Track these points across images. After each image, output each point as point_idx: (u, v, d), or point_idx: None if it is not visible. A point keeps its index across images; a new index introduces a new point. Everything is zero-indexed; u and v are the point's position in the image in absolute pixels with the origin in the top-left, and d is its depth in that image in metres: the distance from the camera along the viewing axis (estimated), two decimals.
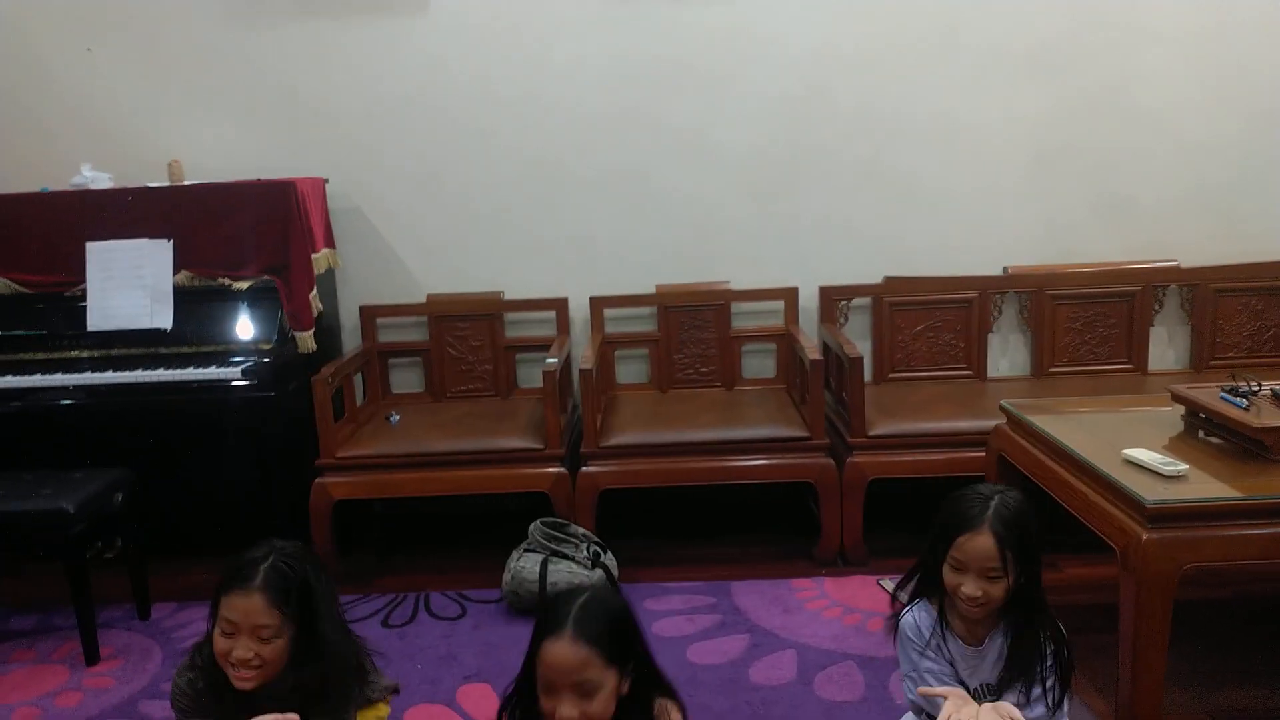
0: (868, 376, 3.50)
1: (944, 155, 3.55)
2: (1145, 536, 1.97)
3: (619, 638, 1.44)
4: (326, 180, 3.49)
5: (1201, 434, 2.39)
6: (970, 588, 1.75)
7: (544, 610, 1.48)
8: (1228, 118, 3.53)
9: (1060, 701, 1.79)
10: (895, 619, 1.91)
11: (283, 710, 1.72)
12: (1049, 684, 1.79)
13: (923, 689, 1.82)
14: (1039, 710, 1.78)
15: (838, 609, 2.83)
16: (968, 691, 1.80)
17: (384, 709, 1.97)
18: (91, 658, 2.69)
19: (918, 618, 1.88)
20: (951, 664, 1.85)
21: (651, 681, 1.53)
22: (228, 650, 1.70)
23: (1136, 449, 2.21)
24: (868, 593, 2.92)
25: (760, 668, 2.54)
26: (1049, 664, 1.79)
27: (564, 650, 1.40)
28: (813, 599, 2.90)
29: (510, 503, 3.31)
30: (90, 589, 2.68)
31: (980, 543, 1.74)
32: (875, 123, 3.54)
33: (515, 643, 2.70)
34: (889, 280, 3.56)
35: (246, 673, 1.71)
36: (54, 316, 3.15)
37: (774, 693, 2.41)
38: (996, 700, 1.76)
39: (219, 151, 3.52)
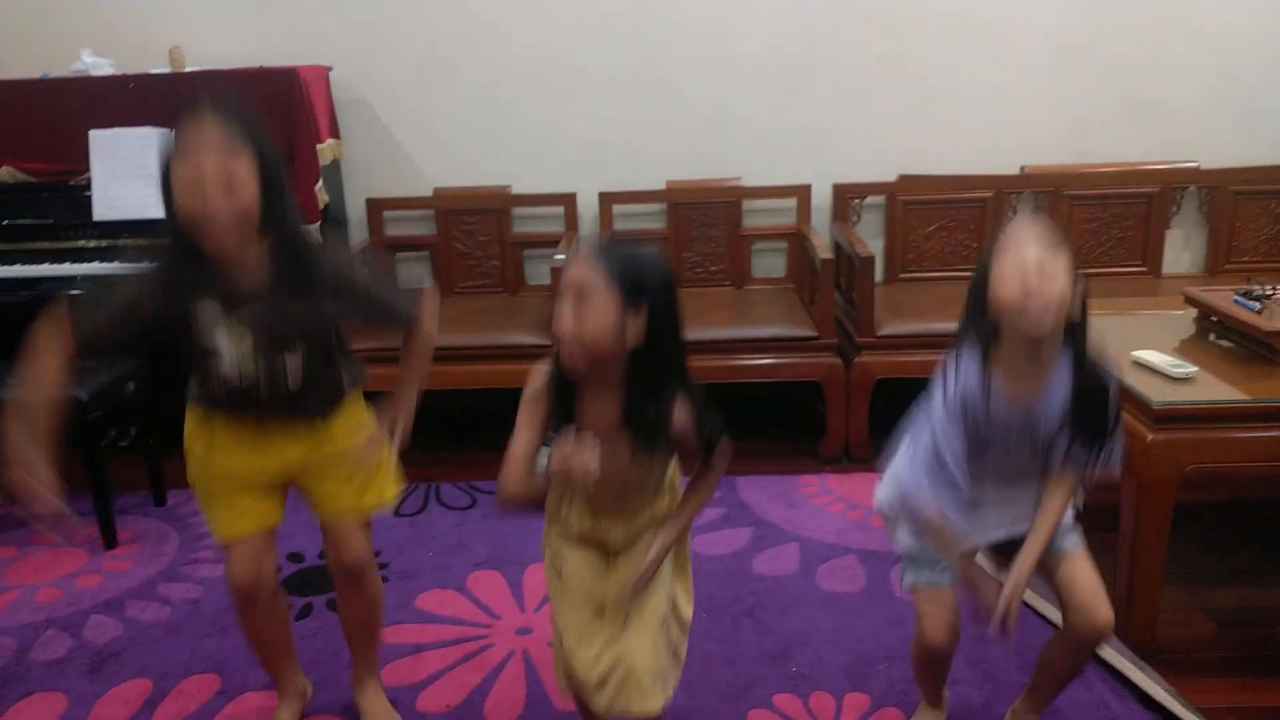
0: (879, 276, 3.48)
1: (964, 52, 3.45)
2: (1150, 437, 1.98)
3: (633, 277, 1.44)
4: (330, 69, 3.42)
5: (1213, 337, 2.38)
6: (1032, 270, 1.49)
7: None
8: (1256, 19, 3.42)
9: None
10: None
11: (271, 304, 1.61)
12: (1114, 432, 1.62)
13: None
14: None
15: (841, 504, 2.87)
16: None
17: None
18: (110, 542, 2.76)
19: (964, 377, 1.62)
20: (980, 439, 1.65)
21: (672, 352, 1.51)
22: (193, 208, 1.50)
23: (1146, 350, 2.21)
24: (870, 489, 2.91)
25: (763, 559, 2.59)
26: (1112, 404, 1.61)
27: (576, 264, 1.46)
28: (816, 494, 2.95)
29: (519, 397, 3.34)
30: (107, 476, 2.74)
31: (1032, 230, 1.55)
32: (895, 18, 3.43)
33: (524, 532, 2.75)
34: (903, 179, 3.50)
35: (218, 226, 1.51)
36: (60, 206, 3.13)
37: (776, 583, 2.47)
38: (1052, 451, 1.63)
39: (220, 38, 3.44)
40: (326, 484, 1.82)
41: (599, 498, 1.58)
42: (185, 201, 1.51)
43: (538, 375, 1.57)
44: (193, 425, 1.80)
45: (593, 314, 1.43)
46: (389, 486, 1.89)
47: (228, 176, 1.50)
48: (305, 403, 1.75)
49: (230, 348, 1.67)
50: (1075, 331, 1.59)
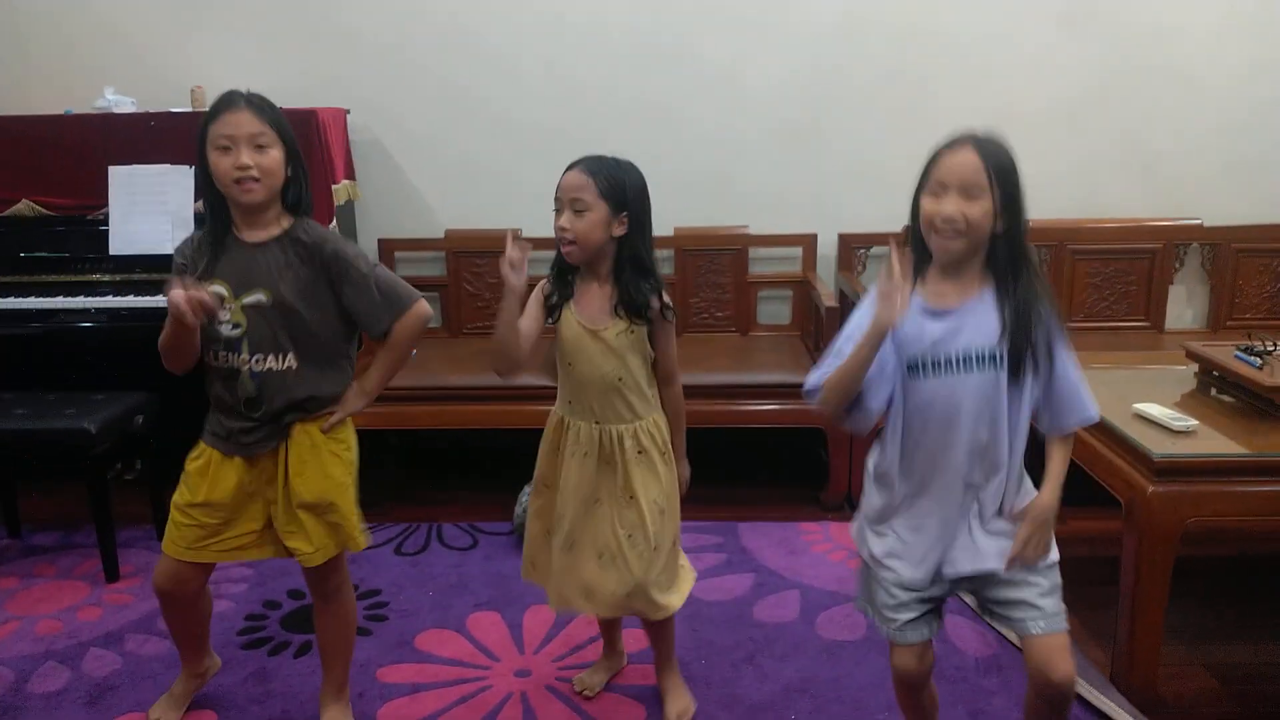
0: None
1: (971, 107, 3.50)
2: (1151, 490, 1.99)
3: (615, 185, 1.84)
4: (348, 111, 3.49)
5: (1214, 392, 2.39)
6: (949, 206, 1.55)
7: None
8: (1262, 82, 3.48)
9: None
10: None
11: (284, 263, 1.79)
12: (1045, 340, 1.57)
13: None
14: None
15: (842, 552, 2.87)
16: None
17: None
18: (112, 575, 2.76)
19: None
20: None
21: (639, 251, 1.89)
22: (228, 167, 1.72)
23: (1147, 404, 2.22)
24: None
25: (764, 606, 2.58)
26: (1044, 319, 1.57)
27: (570, 175, 1.86)
28: (818, 542, 2.94)
29: (523, 439, 3.35)
30: (111, 509, 2.74)
31: (961, 157, 1.55)
32: (904, 72, 3.50)
33: None
34: (909, 229, 3.53)
35: (250, 184, 1.74)
36: (76, 239, 3.17)
37: (777, 630, 2.46)
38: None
39: (241, 78, 3.44)
40: (293, 525, 1.93)
41: (586, 391, 1.92)
42: (219, 168, 1.71)
43: (542, 284, 1.95)
44: (194, 455, 1.95)
45: (587, 219, 1.83)
46: (353, 535, 2.00)
47: (256, 137, 1.74)
48: (279, 426, 1.87)
49: (228, 309, 1.81)
50: (1002, 254, 1.57)
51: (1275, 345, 2.37)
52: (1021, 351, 1.56)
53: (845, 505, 3.19)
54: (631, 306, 1.88)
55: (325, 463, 1.92)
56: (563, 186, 1.86)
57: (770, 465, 3.57)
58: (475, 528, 3.08)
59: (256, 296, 1.81)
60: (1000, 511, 1.63)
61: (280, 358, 1.83)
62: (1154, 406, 2.21)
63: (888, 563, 1.67)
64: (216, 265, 1.82)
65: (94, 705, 2.18)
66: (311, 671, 2.28)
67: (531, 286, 1.89)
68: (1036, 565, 1.62)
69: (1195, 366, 2.50)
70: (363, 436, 3.19)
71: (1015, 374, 1.57)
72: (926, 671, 1.73)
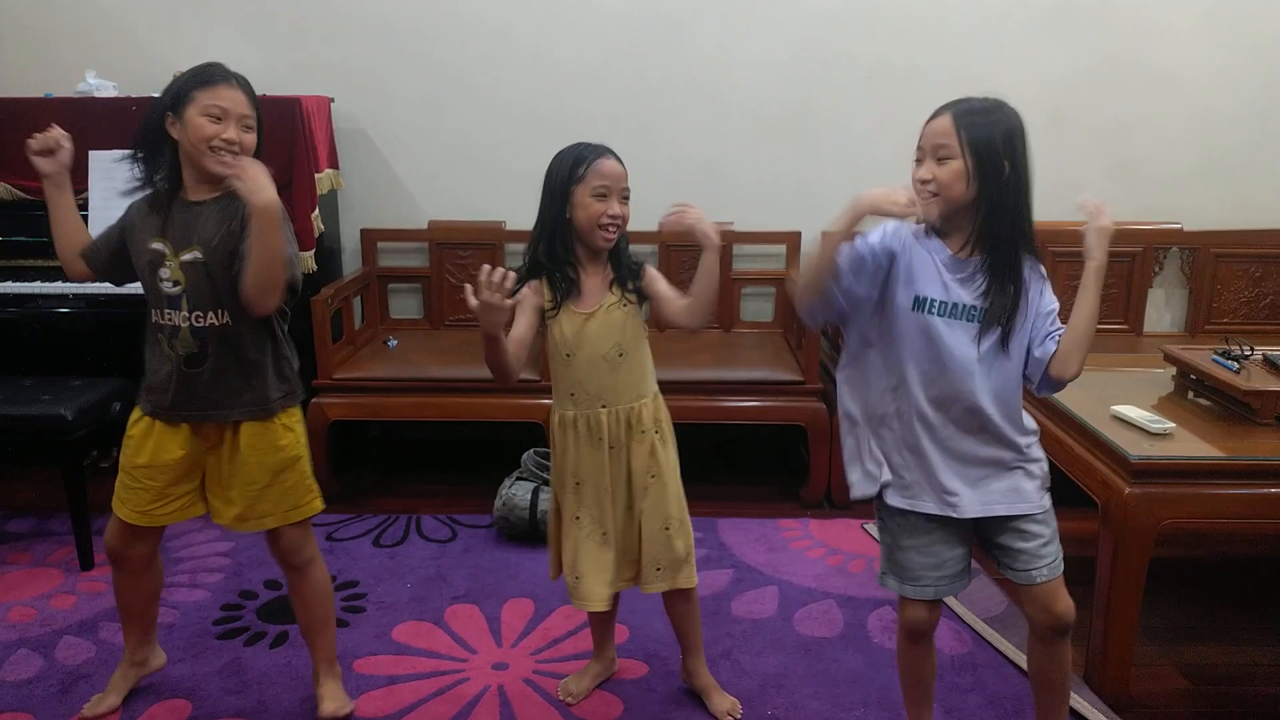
0: None
1: None
2: (1128, 491, 2.01)
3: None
4: (332, 100, 3.46)
5: (1191, 395, 2.41)
6: (923, 170, 1.63)
7: (580, 150, 1.99)
8: (1244, 85, 3.50)
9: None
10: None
11: (219, 220, 1.83)
12: (1048, 320, 1.68)
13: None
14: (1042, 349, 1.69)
15: (821, 549, 2.88)
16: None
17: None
18: (86, 563, 2.74)
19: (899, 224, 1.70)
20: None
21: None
22: (215, 134, 1.80)
23: (1125, 406, 2.24)
24: (851, 535, 2.97)
25: (742, 602, 2.59)
26: (1033, 295, 1.70)
27: (615, 164, 1.95)
28: (797, 539, 2.95)
29: (504, 432, 3.35)
30: (87, 496, 2.72)
31: (935, 122, 1.64)
32: (888, 73, 3.50)
33: (504, 566, 2.75)
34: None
35: (229, 157, 1.81)
36: None
37: (754, 626, 2.47)
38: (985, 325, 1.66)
39: (225, 64, 3.47)
40: (232, 492, 1.95)
41: (593, 374, 1.93)
42: (205, 131, 1.79)
43: (530, 287, 1.98)
44: (134, 419, 1.98)
45: (627, 209, 1.98)
46: (307, 500, 2.01)
47: (246, 118, 1.84)
48: (223, 391, 1.89)
49: (168, 269, 1.85)
50: (987, 222, 1.67)
51: (1252, 349, 2.39)
52: (998, 319, 1.66)
53: (824, 503, 3.20)
54: (625, 280, 1.97)
55: (275, 435, 1.95)
56: (610, 175, 1.93)
57: (751, 462, 3.58)
58: (454, 520, 3.07)
59: (193, 254, 1.85)
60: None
61: (219, 314, 1.87)
62: (1132, 409, 2.22)
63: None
64: (165, 224, 1.86)
65: (67, 693, 2.16)
66: (288, 662, 2.27)
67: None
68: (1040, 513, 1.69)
69: (1173, 370, 2.52)
70: (342, 427, 3.21)
71: (1004, 340, 1.67)
72: (931, 628, 1.79)
